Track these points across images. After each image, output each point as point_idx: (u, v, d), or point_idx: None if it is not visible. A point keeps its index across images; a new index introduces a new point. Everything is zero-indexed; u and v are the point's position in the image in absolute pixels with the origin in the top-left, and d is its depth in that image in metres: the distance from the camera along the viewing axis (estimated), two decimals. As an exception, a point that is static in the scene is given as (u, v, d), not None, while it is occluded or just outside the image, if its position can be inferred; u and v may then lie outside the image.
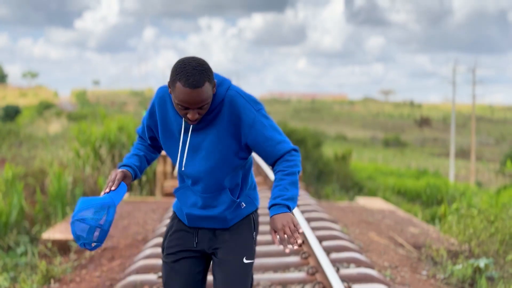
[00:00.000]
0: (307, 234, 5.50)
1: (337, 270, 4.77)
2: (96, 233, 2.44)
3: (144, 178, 17.21)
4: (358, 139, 65.65)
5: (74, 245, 6.48)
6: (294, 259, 5.20)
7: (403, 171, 36.07)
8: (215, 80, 2.55)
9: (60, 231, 6.87)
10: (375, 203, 9.99)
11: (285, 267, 5.08)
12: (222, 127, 2.57)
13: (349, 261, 5.16)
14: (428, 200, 24.01)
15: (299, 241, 2.40)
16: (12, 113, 50.12)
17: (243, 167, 2.75)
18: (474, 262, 5.44)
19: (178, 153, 2.64)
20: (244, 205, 2.76)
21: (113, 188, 2.54)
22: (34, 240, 10.15)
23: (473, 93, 40.21)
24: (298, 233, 2.42)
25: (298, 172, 2.61)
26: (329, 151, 31.81)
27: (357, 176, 28.14)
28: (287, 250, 2.42)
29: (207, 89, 2.42)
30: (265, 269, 5.04)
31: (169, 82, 2.46)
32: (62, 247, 6.57)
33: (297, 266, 5.10)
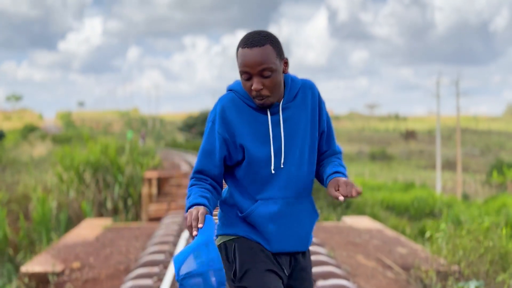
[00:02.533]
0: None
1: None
2: (213, 278, 2.09)
3: (130, 201, 17.02)
4: (345, 153, 65.34)
5: (54, 278, 6.29)
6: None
7: (391, 185, 36.00)
8: (287, 61, 2.44)
9: (39, 263, 6.68)
10: (362, 222, 9.87)
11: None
12: (307, 113, 2.47)
13: (336, 288, 5.02)
14: (416, 213, 23.94)
15: (359, 189, 2.31)
16: (-4, 137, 49.68)
17: None
18: (464, 284, 5.31)
19: (270, 152, 2.41)
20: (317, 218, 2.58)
21: (200, 225, 2.18)
22: (18, 268, 9.92)
23: (457, 105, 40.35)
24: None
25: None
26: (315, 167, 31.68)
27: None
28: (342, 198, 2.33)
29: (269, 52, 2.32)
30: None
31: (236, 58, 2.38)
32: (42, 280, 6.38)
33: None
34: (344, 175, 2.45)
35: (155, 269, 5.71)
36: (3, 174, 23.32)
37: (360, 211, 23.29)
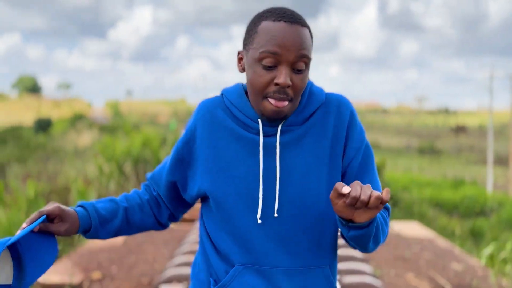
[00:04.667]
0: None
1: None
2: None
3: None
4: (392, 147, 64.43)
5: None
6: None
7: (439, 181, 34.94)
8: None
9: (58, 272, 6.16)
10: (412, 229, 9.11)
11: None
12: (326, 140, 1.65)
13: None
14: (466, 212, 23.05)
15: (386, 196, 1.38)
16: (45, 125, 50.17)
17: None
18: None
19: (256, 191, 1.60)
20: None
21: (24, 225, 1.59)
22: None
23: (512, 99, 38.84)
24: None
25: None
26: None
27: (391, 188, 27.17)
28: (346, 190, 1.39)
29: (309, 38, 1.60)
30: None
31: (245, 39, 1.64)
32: (59, 292, 5.85)
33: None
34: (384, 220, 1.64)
35: (179, 287, 5.13)
36: (46, 164, 23.26)
37: (407, 209, 22.47)
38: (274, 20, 1.57)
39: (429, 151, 62.84)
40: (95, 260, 6.60)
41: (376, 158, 29.71)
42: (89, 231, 1.70)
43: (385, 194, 1.38)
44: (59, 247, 9.02)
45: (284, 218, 1.61)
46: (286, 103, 1.58)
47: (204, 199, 1.73)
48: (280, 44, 1.54)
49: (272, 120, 1.63)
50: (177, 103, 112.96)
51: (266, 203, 1.61)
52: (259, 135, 1.63)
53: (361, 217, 1.44)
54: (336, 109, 1.68)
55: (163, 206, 1.85)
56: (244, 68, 1.67)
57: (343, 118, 1.68)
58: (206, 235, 1.74)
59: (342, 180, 1.70)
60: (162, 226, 1.86)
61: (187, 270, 5.58)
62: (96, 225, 1.70)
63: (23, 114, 73.77)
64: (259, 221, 1.60)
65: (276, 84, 1.56)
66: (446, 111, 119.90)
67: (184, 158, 1.73)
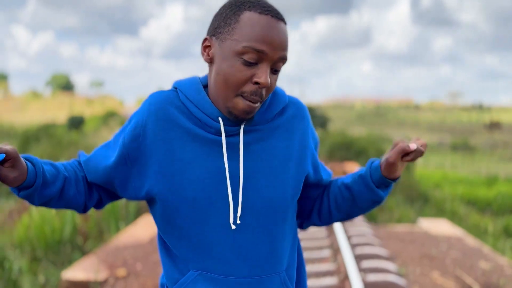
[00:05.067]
0: (355, 281, 4.65)
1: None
2: None
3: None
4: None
5: (96, 287, 5.82)
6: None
7: (473, 178, 34.47)
8: None
9: (84, 269, 6.22)
10: (440, 227, 8.99)
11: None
12: (293, 143, 1.58)
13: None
14: (499, 210, 22.70)
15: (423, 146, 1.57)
16: (77, 122, 50.80)
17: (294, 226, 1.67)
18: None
19: (212, 194, 1.48)
20: None
21: None
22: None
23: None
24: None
25: None
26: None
27: (423, 185, 26.86)
28: (413, 146, 1.54)
29: (288, 39, 1.49)
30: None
31: (219, 26, 1.48)
32: (84, 288, 5.91)
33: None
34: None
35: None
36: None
37: (439, 207, 22.20)
38: (260, 13, 1.44)
39: (462, 147, 62.04)
40: (120, 257, 6.65)
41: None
42: (28, 189, 1.48)
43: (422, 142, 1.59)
44: (93, 243, 9.13)
45: (246, 225, 1.50)
46: (258, 104, 1.48)
47: (152, 201, 1.58)
48: (267, 42, 1.42)
49: (237, 119, 1.50)
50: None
51: (227, 209, 1.49)
52: (218, 135, 1.51)
53: (400, 171, 1.57)
54: (301, 113, 1.62)
55: (94, 190, 1.66)
56: (212, 58, 1.50)
57: (306, 122, 1.63)
58: (160, 238, 1.62)
59: (305, 180, 1.65)
60: (85, 209, 1.67)
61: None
62: (38, 185, 1.48)
63: (57, 111, 74.82)
64: (233, 227, 1.49)
65: (256, 83, 1.45)
66: (480, 107, 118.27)
67: (129, 155, 1.54)
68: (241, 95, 1.46)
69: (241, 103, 1.46)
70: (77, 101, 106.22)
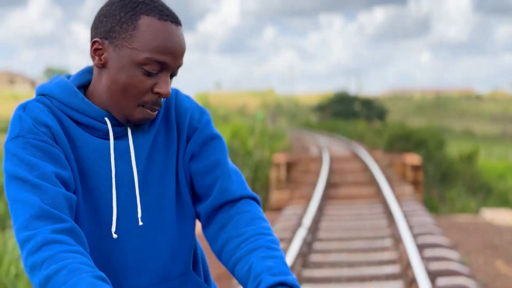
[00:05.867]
0: (418, 269, 4.69)
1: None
2: None
3: (258, 185, 16.82)
4: (487, 135, 62.39)
5: None
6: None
7: (537, 169, 33.63)
8: None
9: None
10: (504, 217, 8.88)
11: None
12: (172, 136, 1.48)
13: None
14: None
15: None
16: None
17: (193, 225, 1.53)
18: None
19: (110, 201, 1.40)
20: None
21: None
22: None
23: None
24: None
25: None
26: (454, 149, 30.09)
27: (485, 177, 26.35)
28: None
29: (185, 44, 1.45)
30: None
31: (112, 29, 1.38)
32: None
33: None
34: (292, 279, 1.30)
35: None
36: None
37: (502, 198, 21.76)
38: (159, 19, 1.37)
39: (526, 138, 60.46)
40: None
41: (470, 146, 28.91)
42: None
43: None
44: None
45: (145, 230, 1.42)
46: (156, 112, 1.42)
47: None
48: (169, 52, 1.37)
49: (133, 124, 1.43)
50: (265, 94, 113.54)
51: (125, 214, 1.40)
52: (106, 138, 1.41)
53: None
54: (173, 103, 1.51)
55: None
56: (105, 63, 1.39)
57: (183, 113, 1.50)
58: None
59: (195, 177, 1.51)
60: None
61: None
62: None
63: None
64: (115, 236, 1.39)
65: (156, 93, 1.38)
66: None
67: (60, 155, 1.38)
68: (142, 105, 1.39)
69: (140, 113, 1.39)
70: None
